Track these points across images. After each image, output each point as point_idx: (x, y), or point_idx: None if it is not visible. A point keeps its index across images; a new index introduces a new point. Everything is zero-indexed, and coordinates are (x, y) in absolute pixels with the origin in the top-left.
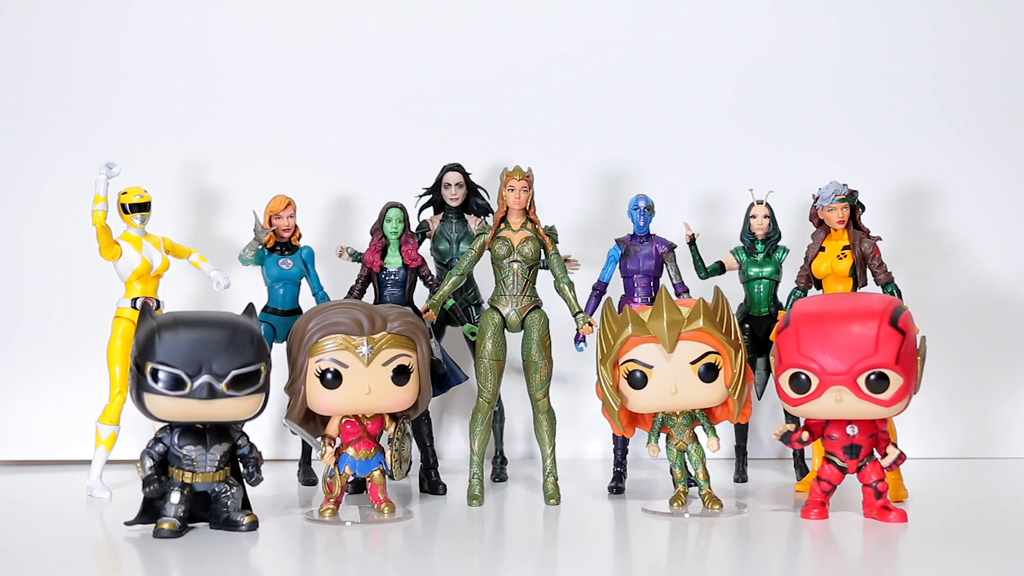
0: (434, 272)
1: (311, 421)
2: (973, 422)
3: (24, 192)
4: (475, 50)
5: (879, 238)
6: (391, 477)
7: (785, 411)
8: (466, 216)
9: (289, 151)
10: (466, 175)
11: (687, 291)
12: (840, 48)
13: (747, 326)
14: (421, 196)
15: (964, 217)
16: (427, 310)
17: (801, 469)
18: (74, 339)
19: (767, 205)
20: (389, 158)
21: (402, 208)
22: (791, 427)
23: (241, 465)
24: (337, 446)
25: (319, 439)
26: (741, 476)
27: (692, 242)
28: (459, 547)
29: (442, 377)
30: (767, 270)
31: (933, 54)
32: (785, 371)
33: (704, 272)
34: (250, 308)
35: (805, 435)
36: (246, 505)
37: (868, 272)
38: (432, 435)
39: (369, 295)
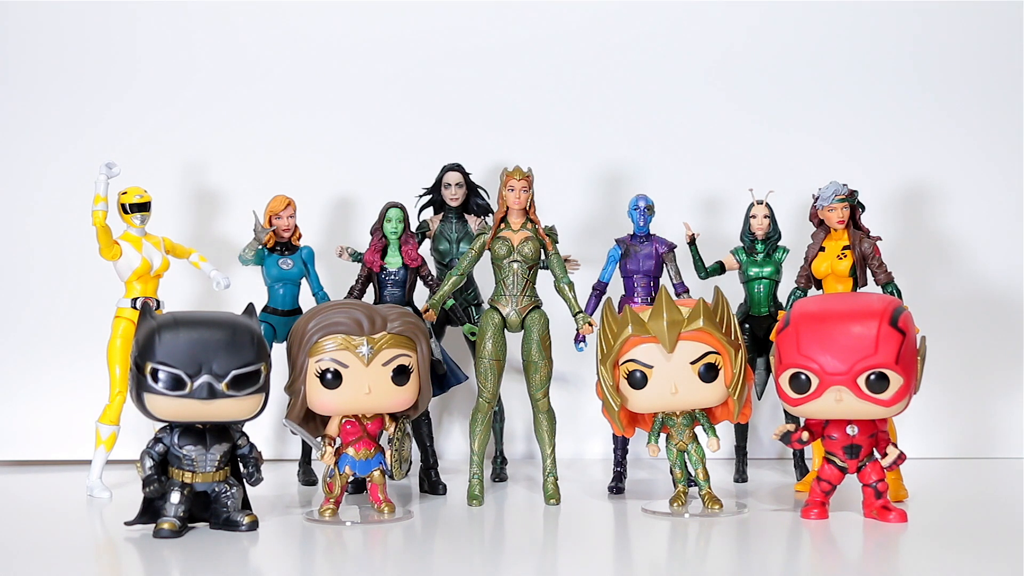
0: (434, 272)
1: (311, 421)
2: (973, 422)
3: (24, 192)
4: (475, 50)
5: (879, 238)
6: (391, 477)
7: (785, 411)
8: (466, 216)
9: (289, 151)
10: (466, 175)
11: (687, 291)
12: (841, 48)
13: (747, 326)
14: (421, 196)
15: (964, 217)
16: (427, 310)
17: (801, 469)
18: (74, 339)
19: (767, 205)
20: (389, 158)
21: (402, 208)
22: (791, 427)
23: (241, 465)
24: (337, 446)
25: (319, 439)
26: (741, 476)
27: (692, 242)
28: (459, 547)
29: (442, 377)
30: (767, 270)
31: (934, 54)
32: (785, 371)
33: (704, 272)
34: (250, 308)
35: (805, 435)
36: (246, 505)
37: (868, 272)
38: (432, 435)
39: (369, 295)
